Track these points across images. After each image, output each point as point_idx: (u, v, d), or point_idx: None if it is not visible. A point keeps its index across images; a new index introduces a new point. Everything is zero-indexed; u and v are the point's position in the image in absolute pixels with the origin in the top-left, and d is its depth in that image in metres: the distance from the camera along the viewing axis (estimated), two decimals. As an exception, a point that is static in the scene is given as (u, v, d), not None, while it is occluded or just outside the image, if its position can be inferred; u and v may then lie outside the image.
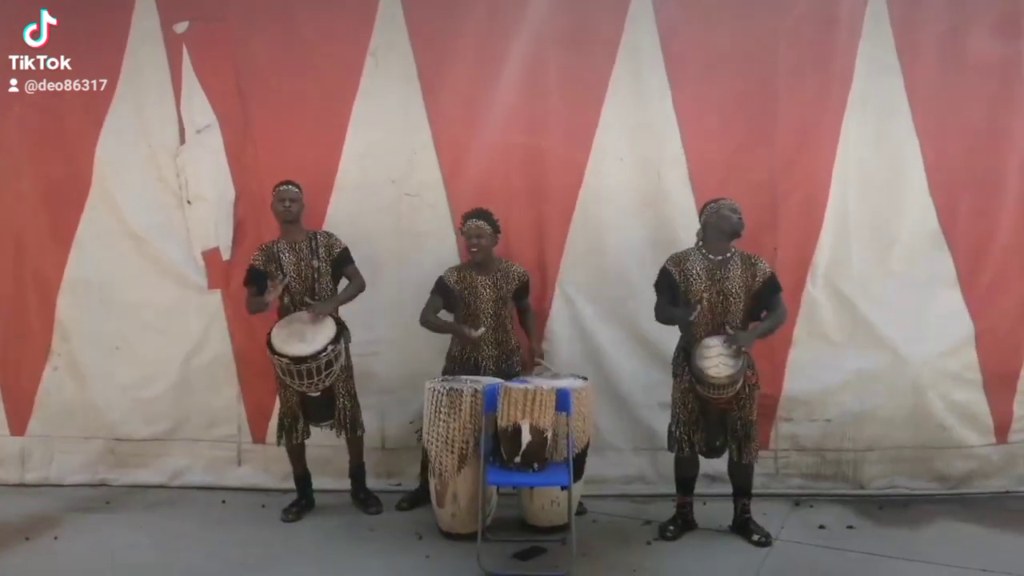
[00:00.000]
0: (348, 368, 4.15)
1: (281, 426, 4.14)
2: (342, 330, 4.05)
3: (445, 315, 4.25)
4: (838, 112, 4.45)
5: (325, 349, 3.88)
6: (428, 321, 4.17)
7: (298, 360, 3.85)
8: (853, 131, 4.46)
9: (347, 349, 4.12)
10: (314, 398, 4.03)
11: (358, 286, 4.22)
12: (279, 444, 4.18)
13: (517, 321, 4.34)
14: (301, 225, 4.20)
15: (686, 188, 4.47)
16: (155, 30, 4.61)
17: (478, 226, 4.11)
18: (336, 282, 4.22)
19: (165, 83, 4.61)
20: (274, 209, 4.14)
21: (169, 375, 4.65)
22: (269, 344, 3.92)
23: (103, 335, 4.68)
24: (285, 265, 4.10)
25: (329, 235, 4.24)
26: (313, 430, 4.20)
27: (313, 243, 4.17)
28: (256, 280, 4.11)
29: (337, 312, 4.16)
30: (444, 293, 4.20)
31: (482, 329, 4.11)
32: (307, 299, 4.07)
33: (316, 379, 3.91)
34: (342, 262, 4.20)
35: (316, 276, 4.11)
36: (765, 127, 4.46)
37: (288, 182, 4.15)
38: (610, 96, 4.50)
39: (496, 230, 4.18)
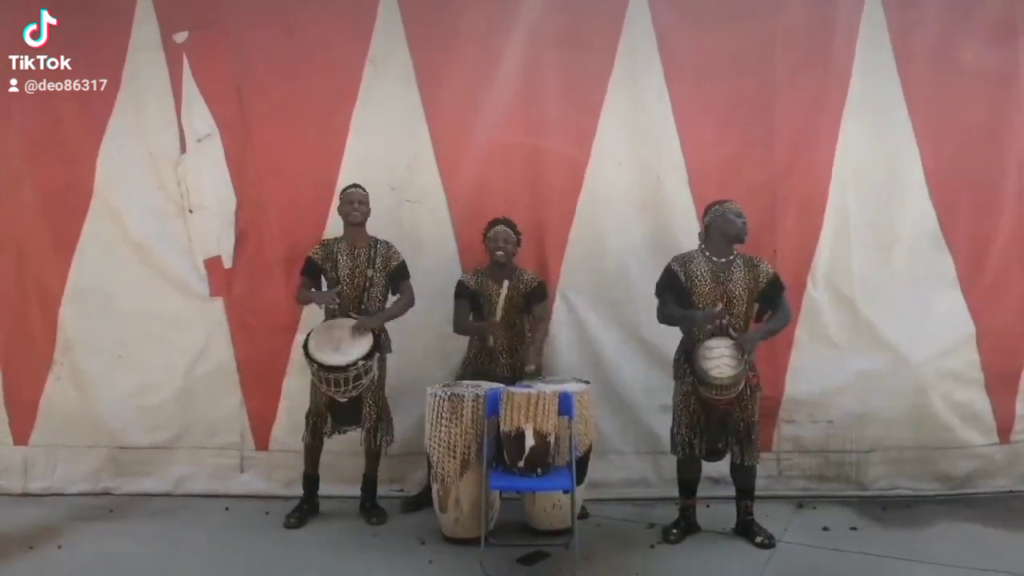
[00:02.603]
0: (381, 379, 4.14)
1: (307, 422, 4.15)
2: (379, 345, 4.02)
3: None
4: (836, 114, 4.48)
5: (355, 363, 3.87)
6: (461, 327, 4.24)
7: (328, 369, 3.86)
8: (851, 133, 4.49)
9: (384, 361, 4.12)
10: (341, 402, 4.04)
11: (407, 302, 4.20)
12: (302, 440, 4.16)
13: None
14: (365, 230, 4.21)
15: (685, 191, 4.49)
16: (155, 38, 4.63)
17: (505, 231, 4.19)
18: (388, 293, 4.22)
19: (165, 91, 4.63)
20: (341, 212, 4.16)
21: (172, 383, 4.65)
22: (305, 345, 3.93)
23: (106, 344, 4.68)
24: (340, 267, 4.11)
25: (389, 246, 4.23)
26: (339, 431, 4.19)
27: (372, 251, 4.17)
28: (312, 273, 4.13)
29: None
30: (467, 295, 4.24)
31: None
32: (352, 314, 4.06)
33: (343, 388, 3.92)
34: (398, 275, 4.20)
35: (368, 285, 4.11)
36: (763, 129, 4.49)
37: (356, 185, 4.19)
38: (608, 100, 4.52)
39: (519, 240, 4.24)
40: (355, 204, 4.13)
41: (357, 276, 4.12)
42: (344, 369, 3.85)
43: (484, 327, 4.21)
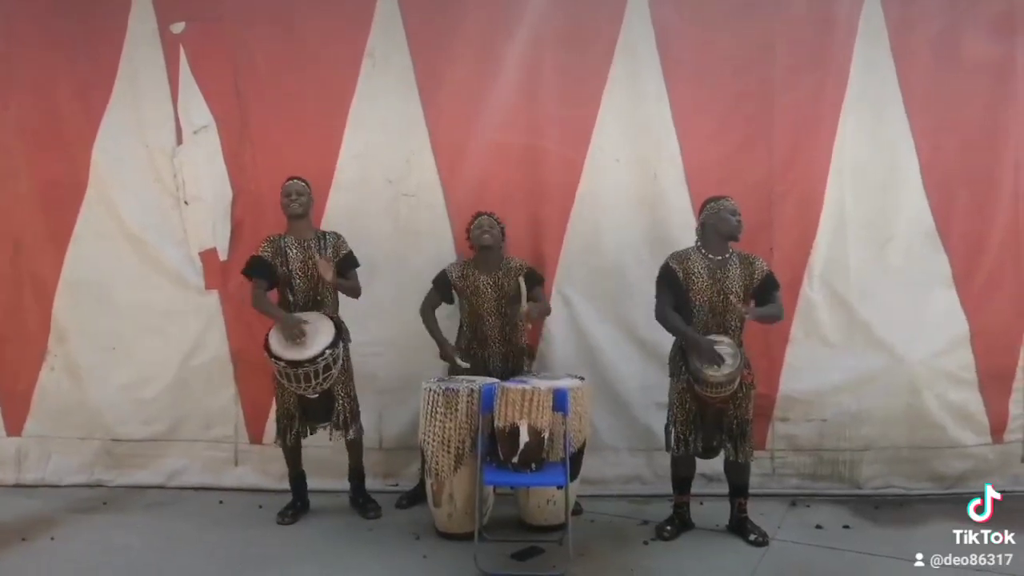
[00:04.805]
0: (348, 370, 4.12)
1: (278, 426, 4.13)
2: (340, 333, 4.02)
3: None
4: (834, 112, 4.47)
5: (323, 353, 3.86)
6: (425, 317, 4.25)
7: (295, 364, 3.84)
8: (849, 131, 4.48)
9: (347, 350, 4.10)
10: (312, 399, 4.01)
11: (355, 286, 4.19)
12: (276, 444, 4.17)
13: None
14: (310, 222, 4.18)
15: (682, 188, 4.49)
16: (152, 30, 4.61)
17: (489, 220, 4.20)
18: None
19: (162, 84, 4.62)
20: (282, 204, 4.11)
21: (166, 376, 4.65)
22: (267, 347, 3.91)
23: (100, 336, 4.67)
24: (291, 261, 4.07)
25: (338, 236, 4.21)
26: (311, 430, 4.17)
27: (322, 242, 4.14)
28: (261, 270, 4.07)
29: (337, 313, 4.15)
30: (442, 288, 4.24)
31: (466, 365, 4.13)
32: (318, 256, 4.01)
33: (314, 382, 3.90)
34: (347, 265, 4.17)
35: (321, 276, 4.09)
36: (761, 127, 4.48)
37: (296, 177, 4.15)
38: (607, 96, 4.51)
39: (502, 230, 4.24)
40: (292, 196, 4.07)
41: (310, 268, 4.08)
42: (313, 362, 3.83)
43: (441, 344, 4.20)
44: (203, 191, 4.60)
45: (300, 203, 4.09)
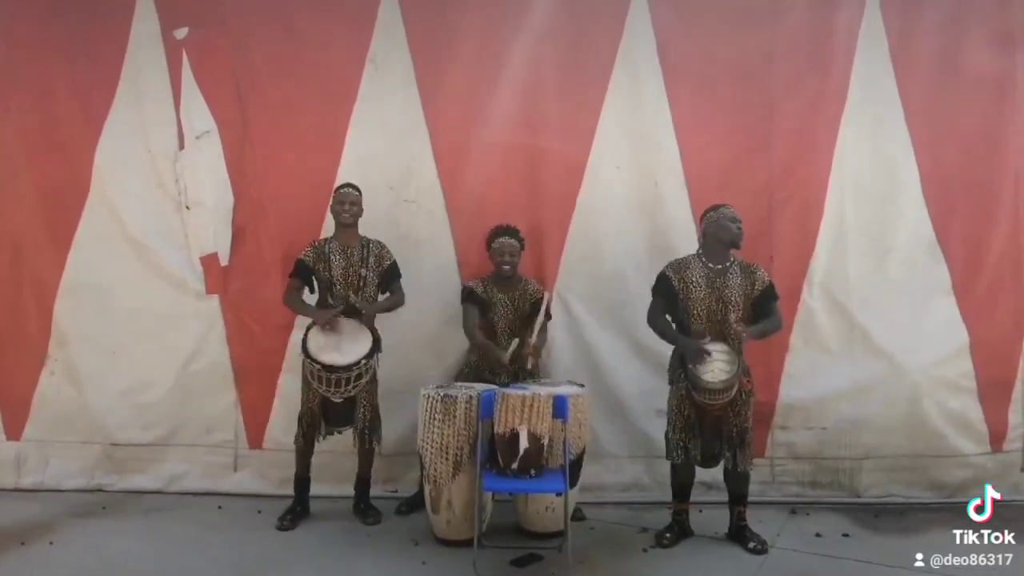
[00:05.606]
0: (374, 379, 4.13)
1: (300, 423, 4.14)
2: (376, 344, 4.04)
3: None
4: (834, 122, 4.49)
5: (358, 363, 3.89)
6: (471, 335, 4.17)
7: (330, 369, 3.86)
8: (849, 140, 4.49)
9: (377, 362, 4.10)
10: (336, 403, 4.04)
11: (398, 300, 4.22)
12: (295, 442, 4.16)
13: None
14: (357, 229, 4.21)
15: (683, 196, 4.50)
16: (155, 35, 4.62)
17: (510, 244, 4.16)
18: (380, 293, 4.22)
19: (165, 88, 4.62)
20: (333, 211, 4.15)
21: (166, 380, 4.64)
22: (304, 346, 3.93)
23: (101, 340, 4.66)
24: (333, 267, 4.10)
25: (382, 245, 4.23)
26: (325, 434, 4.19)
27: (365, 251, 4.17)
28: (303, 274, 4.13)
29: (374, 323, 4.15)
30: (477, 301, 4.19)
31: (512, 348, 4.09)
32: (351, 295, 4.06)
33: (344, 388, 3.93)
34: (390, 275, 4.21)
35: (362, 284, 4.11)
36: (762, 136, 4.50)
37: (349, 185, 4.18)
38: (608, 104, 4.53)
39: (522, 247, 4.23)
40: (345, 205, 4.12)
41: (351, 276, 4.11)
42: (347, 369, 3.87)
43: (492, 354, 4.09)
44: (205, 196, 4.59)
45: (352, 213, 4.14)
